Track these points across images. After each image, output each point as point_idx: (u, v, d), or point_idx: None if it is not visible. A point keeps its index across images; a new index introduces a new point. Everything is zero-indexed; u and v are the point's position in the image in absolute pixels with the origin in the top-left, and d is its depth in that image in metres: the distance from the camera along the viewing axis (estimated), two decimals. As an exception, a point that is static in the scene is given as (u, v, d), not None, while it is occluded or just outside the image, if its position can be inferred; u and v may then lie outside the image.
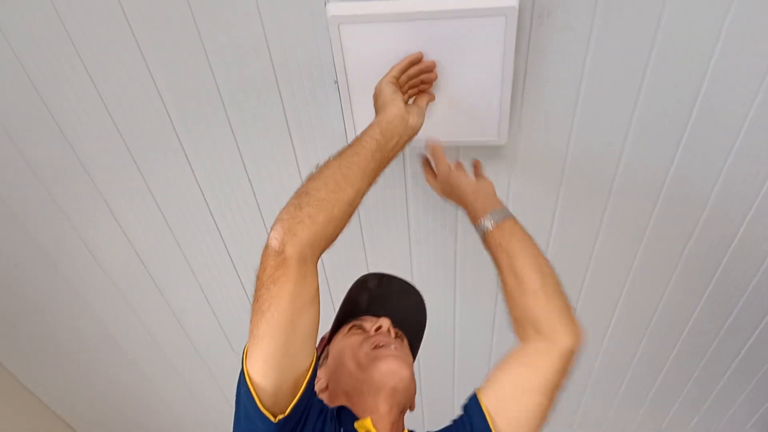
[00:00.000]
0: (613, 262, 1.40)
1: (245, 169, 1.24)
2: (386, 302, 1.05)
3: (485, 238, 0.97)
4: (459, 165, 1.09)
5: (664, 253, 1.37)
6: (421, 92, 0.99)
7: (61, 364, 1.92)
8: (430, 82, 0.99)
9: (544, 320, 0.86)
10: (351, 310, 1.04)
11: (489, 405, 0.83)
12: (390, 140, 0.86)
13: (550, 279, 0.89)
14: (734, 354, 1.71)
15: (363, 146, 0.83)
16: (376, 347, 0.92)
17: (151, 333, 1.75)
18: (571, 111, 1.08)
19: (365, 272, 1.46)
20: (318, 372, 0.95)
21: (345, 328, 1.00)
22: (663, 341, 1.67)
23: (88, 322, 1.71)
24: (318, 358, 1.00)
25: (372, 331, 0.96)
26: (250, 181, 1.27)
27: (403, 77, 0.94)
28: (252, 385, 0.73)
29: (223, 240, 1.42)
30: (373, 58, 0.97)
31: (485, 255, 1.39)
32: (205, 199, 1.32)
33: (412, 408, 0.95)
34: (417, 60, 0.94)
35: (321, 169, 0.79)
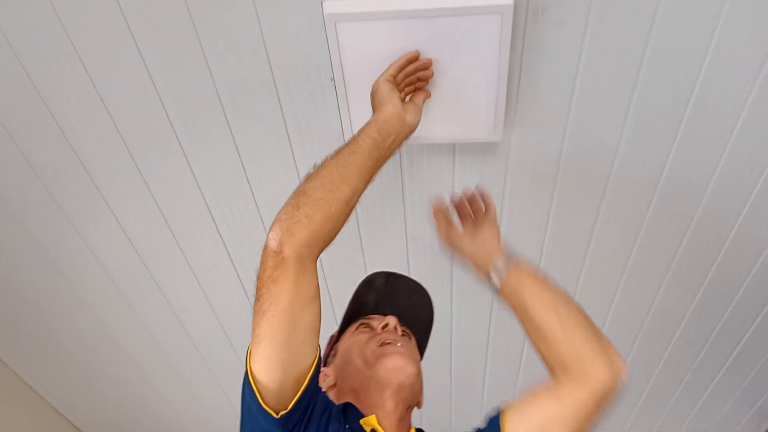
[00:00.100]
0: (608, 259, 1.41)
1: (244, 168, 1.25)
2: (394, 301, 1.05)
3: (497, 294, 0.94)
4: (457, 224, 1.05)
5: (659, 250, 1.38)
6: (417, 90, 1.00)
7: (61, 362, 1.92)
8: (426, 80, 0.99)
9: (570, 362, 0.81)
10: (359, 309, 1.04)
11: (510, 430, 0.80)
12: (387, 138, 0.86)
13: (569, 318, 0.84)
14: (728, 353, 1.72)
15: (360, 145, 0.83)
16: (383, 344, 0.92)
17: (151, 332, 1.76)
18: (565, 108, 1.08)
19: (362, 269, 1.48)
20: (326, 370, 0.97)
21: (353, 327, 1.01)
22: (657, 340, 1.68)
23: (88, 321, 1.71)
24: (326, 357, 1.01)
25: (379, 329, 0.96)
26: (248, 180, 1.28)
27: (400, 75, 0.95)
28: (255, 383, 0.74)
29: (222, 239, 1.43)
30: (369, 55, 0.98)
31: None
32: (204, 199, 1.33)
33: (419, 405, 0.96)
34: (414, 58, 0.95)
35: (318, 169, 0.80)
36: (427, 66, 0.97)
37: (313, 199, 0.76)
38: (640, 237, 1.34)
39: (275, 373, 0.73)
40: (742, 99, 1.05)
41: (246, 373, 0.76)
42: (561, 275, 1.46)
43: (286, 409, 0.74)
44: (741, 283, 1.46)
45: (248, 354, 0.76)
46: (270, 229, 0.75)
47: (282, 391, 0.74)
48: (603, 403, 0.79)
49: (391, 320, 0.98)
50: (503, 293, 0.91)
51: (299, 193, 0.77)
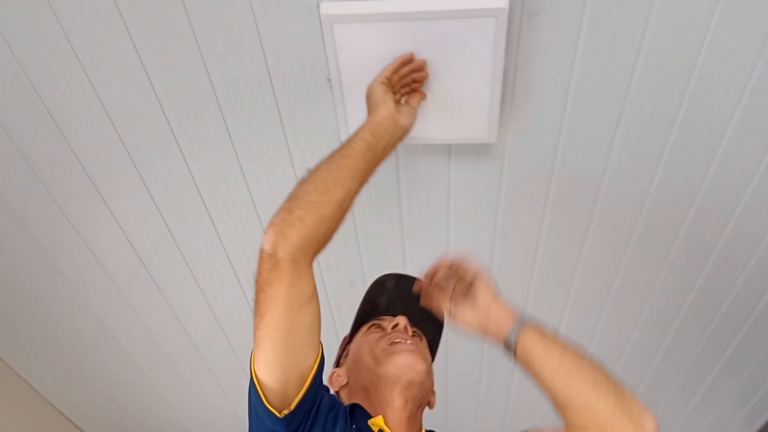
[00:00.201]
0: (602, 259, 1.42)
1: (241, 167, 1.26)
2: (405, 303, 1.04)
3: (513, 360, 0.89)
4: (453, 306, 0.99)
5: (653, 251, 1.39)
6: (413, 91, 1.01)
7: (61, 361, 1.92)
8: (421, 81, 1.00)
9: (593, 426, 0.76)
10: (370, 311, 1.05)
11: None
12: (380, 140, 0.88)
13: (584, 382, 0.78)
14: (721, 352, 1.73)
15: (353, 148, 0.85)
16: (393, 343, 0.92)
17: (150, 331, 1.76)
18: (560, 110, 1.09)
19: (359, 269, 1.49)
20: (339, 370, 0.98)
21: (364, 328, 1.01)
22: (651, 339, 1.69)
23: (88, 321, 1.72)
24: (339, 358, 1.02)
25: (389, 329, 0.97)
26: (245, 179, 1.28)
27: (395, 77, 0.96)
28: (259, 384, 0.76)
29: (220, 239, 1.44)
30: (366, 57, 0.98)
31: (477, 248, 1.42)
32: (202, 198, 1.33)
33: (430, 405, 0.96)
34: (408, 60, 0.96)
35: (311, 173, 0.82)
36: (421, 67, 0.98)
37: (305, 202, 0.78)
38: (634, 237, 1.35)
39: (277, 374, 0.75)
40: (734, 102, 1.06)
41: (250, 375, 0.78)
42: (556, 272, 1.48)
43: (290, 408, 0.75)
44: (733, 283, 1.47)
45: (252, 356, 0.78)
46: (264, 232, 0.76)
47: (285, 391, 0.76)
48: None
49: (401, 320, 0.98)
50: (518, 360, 0.86)
51: (292, 197, 0.79)
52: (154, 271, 1.54)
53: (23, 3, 1.00)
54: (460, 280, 0.96)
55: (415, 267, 1.46)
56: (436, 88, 1.02)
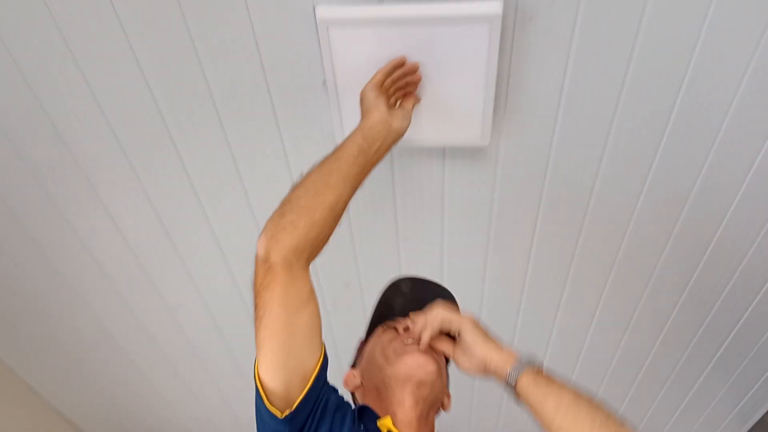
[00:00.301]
0: (594, 260, 1.43)
1: (237, 167, 1.27)
2: (421, 306, 1.02)
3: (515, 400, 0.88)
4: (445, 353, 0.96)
5: (645, 250, 1.40)
6: (407, 94, 1.02)
7: (60, 361, 1.93)
8: (415, 84, 1.01)
9: None
10: (386, 313, 1.05)
11: None
12: (373, 144, 0.89)
13: (581, 426, 0.76)
14: (713, 352, 1.74)
15: (345, 152, 0.86)
16: (405, 344, 0.93)
17: (149, 331, 1.77)
18: (553, 113, 1.10)
19: (354, 271, 1.49)
20: (354, 371, 0.99)
21: (379, 330, 1.02)
22: (643, 338, 1.70)
23: (87, 320, 1.72)
24: (355, 360, 1.03)
25: (402, 330, 0.97)
26: (242, 180, 1.29)
27: (388, 81, 0.96)
28: (262, 387, 0.77)
29: (217, 239, 1.44)
30: (361, 60, 0.99)
31: (471, 250, 1.42)
32: (198, 199, 1.34)
33: (444, 407, 0.96)
34: (400, 64, 0.97)
35: (303, 178, 0.83)
36: (414, 71, 0.99)
37: (297, 206, 0.79)
38: (627, 237, 1.36)
39: (279, 377, 0.76)
40: (725, 108, 1.07)
41: (254, 378, 0.79)
42: (549, 273, 1.49)
43: (291, 408, 0.76)
44: (725, 284, 1.48)
45: (256, 360, 0.79)
46: (258, 238, 0.77)
47: (288, 393, 0.76)
48: None
49: (414, 320, 0.97)
50: (520, 401, 0.84)
51: (284, 202, 0.81)
52: (151, 271, 1.55)
53: (20, 4, 1.00)
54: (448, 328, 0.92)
55: (410, 268, 1.48)
56: (430, 91, 1.03)
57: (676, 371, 1.84)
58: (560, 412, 0.77)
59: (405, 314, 1.03)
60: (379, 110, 0.92)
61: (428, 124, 1.08)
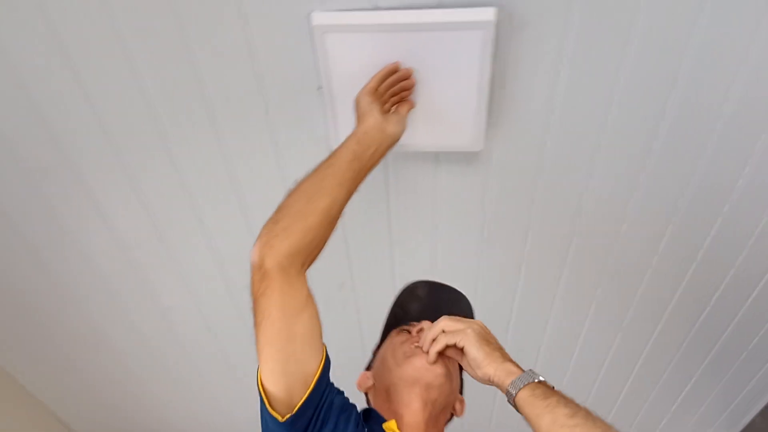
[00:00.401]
0: (586, 264, 1.44)
1: (231, 172, 1.27)
2: (438, 311, 1.00)
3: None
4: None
5: (637, 253, 1.41)
6: (402, 100, 1.02)
7: (53, 360, 1.92)
8: (409, 89, 1.01)
9: None
10: (401, 316, 1.06)
11: None
12: (367, 149, 0.90)
13: None
14: (704, 355, 1.75)
15: (338, 158, 0.87)
16: (416, 346, 0.92)
17: (141, 332, 1.77)
18: (545, 119, 1.11)
19: (348, 271, 1.50)
20: (367, 373, 1.00)
21: (393, 332, 1.02)
22: (636, 340, 1.71)
23: (79, 320, 1.72)
24: (370, 362, 1.03)
25: (414, 333, 0.97)
26: (235, 184, 1.29)
27: (382, 87, 0.97)
28: (264, 392, 0.77)
29: (210, 243, 1.45)
30: (356, 66, 1.00)
31: (464, 253, 1.43)
32: (191, 202, 1.34)
33: (455, 412, 0.96)
34: (394, 69, 0.97)
35: (297, 185, 0.84)
36: (407, 76, 0.99)
37: (291, 212, 0.80)
38: (618, 241, 1.37)
39: (280, 381, 0.77)
40: (716, 115, 1.08)
41: (257, 383, 0.79)
42: (541, 280, 1.50)
43: (292, 412, 0.76)
44: (717, 286, 1.49)
45: (258, 365, 0.79)
46: (253, 245, 0.78)
47: (290, 397, 0.77)
48: None
49: (427, 324, 0.97)
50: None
51: (278, 209, 0.82)
52: (144, 272, 1.55)
53: (13, 3, 1.00)
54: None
55: (403, 270, 1.49)
56: (424, 97, 1.04)
57: (668, 373, 1.85)
58: (555, 428, 0.74)
59: (420, 318, 1.02)
60: (373, 116, 0.92)
61: (422, 129, 1.09)
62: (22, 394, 2.06)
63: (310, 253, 0.82)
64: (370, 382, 0.98)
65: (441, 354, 0.88)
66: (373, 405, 0.96)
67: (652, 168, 1.19)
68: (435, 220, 1.35)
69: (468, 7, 0.93)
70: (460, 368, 0.97)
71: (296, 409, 0.76)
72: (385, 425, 0.85)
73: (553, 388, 0.79)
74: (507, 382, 0.79)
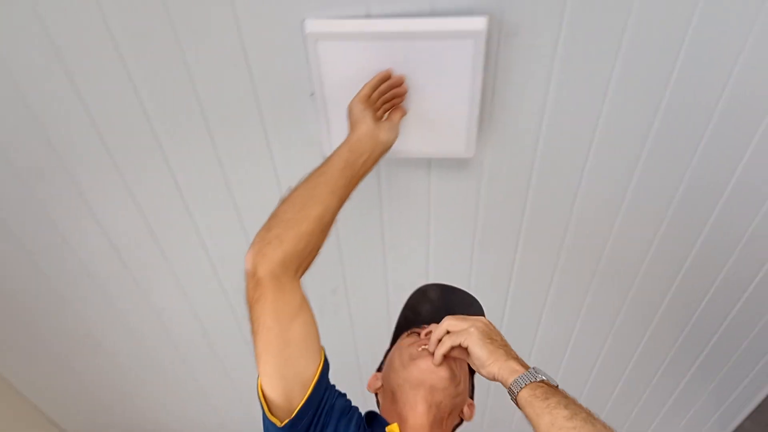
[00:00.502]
0: (577, 268, 1.45)
1: (225, 176, 1.27)
2: (449, 313, 0.97)
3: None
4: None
5: (628, 258, 1.42)
6: (395, 107, 1.03)
7: (45, 361, 1.92)
8: (401, 96, 1.02)
9: None
10: (412, 319, 1.06)
11: None
12: (360, 157, 0.90)
13: None
14: (695, 357, 1.77)
15: (330, 165, 0.88)
16: (423, 349, 0.92)
17: (133, 334, 1.77)
18: (536, 126, 1.12)
19: (341, 276, 1.51)
20: (378, 374, 1.00)
21: (404, 335, 1.02)
22: (626, 342, 1.72)
23: (71, 321, 1.72)
24: (381, 364, 1.04)
25: (423, 335, 0.97)
26: (229, 188, 1.30)
27: (375, 94, 0.98)
28: (263, 397, 0.78)
29: (204, 247, 1.45)
30: (348, 73, 1.00)
31: (456, 258, 1.44)
32: (186, 206, 1.35)
33: (464, 417, 0.95)
34: (386, 77, 0.98)
35: (289, 193, 0.85)
36: (400, 83, 1.00)
37: (283, 220, 0.81)
38: (609, 246, 1.38)
39: (278, 387, 0.77)
40: (706, 121, 1.09)
41: (257, 390, 0.80)
42: (532, 284, 1.51)
43: (290, 416, 0.77)
44: (707, 290, 1.50)
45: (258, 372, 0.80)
46: (246, 253, 0.79)
47: (289, 401, 0.78)
48: None
49: (434, 327, 0.96)
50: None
51: (271, 217, 0.82)
52: (138, 275, 1.55)
53: (7, 8, 1.00)
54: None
55: (396, 275, 1.50)
56: (417, 104, 1.05)
57: (658, 377, 1.86)
58: (553, 430, 0.73)
59: (432, 321, 1.00)
60: (366, 123, 0.93)
61: (414, 136, 1.10)
62: (14, 396, 2.05)
63: (304, 260, 0.83)
64: (378, 384, 0.98)
65: (447, 356, 0.87)
66: (381, 406, 0.96)
67: (643, 174, 1.20)
68: (427, 226, 1.35)
69: (459, 16, 0.94)
70: (472, 372, 0.98)
71: (295, 413, 0.77)
72: (388, 429, 0.85)
73: (557, 387, 0.78)
74: (510, 380, 0.79)
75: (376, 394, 1.00)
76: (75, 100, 1.13)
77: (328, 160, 0.89)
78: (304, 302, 0.82)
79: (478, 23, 0.94)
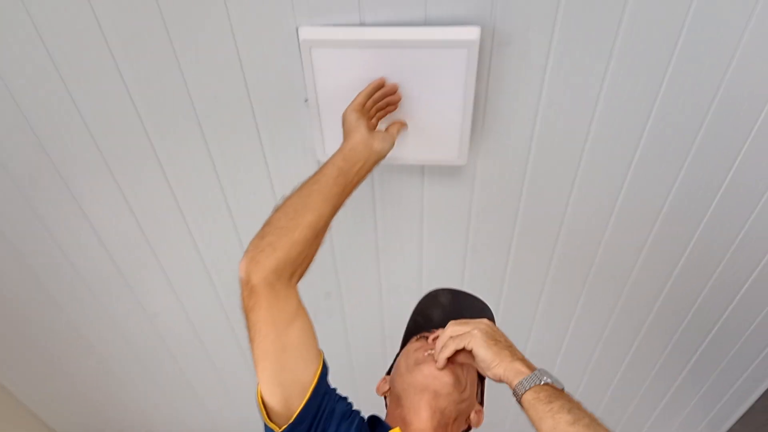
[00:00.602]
0: (569, 274, 1.46)
1: (219, 182, 1.28)
2: (460, 319, 0.96)
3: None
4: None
5: (619, 263, 1.43)
6: (395, 120, 1.04)
7: (37, 364, 1.91)
8: (395, 104, 1.03)
9: None
10: (422, 323, 1.05)
11: None
12: (353, 165, 0.91)
13: None
14: (685, 361, 1.78)
15: (324, 174, 0.88)
16: (429, 353, 0.91)
17: (125, 336, 1.76)
18: (528, 134, 1.13)
19: (335, 280, 1.51)
20: (387, 377, 1.00)
21: (413, 339, 1.02)
22: (617, 348, 1.73)
23: (64, 325, 1.71)
24: (390, 368, 1.03)
25: (430, 340, 0.96)
26: (224, 193, 1.30)
27: (369, 102, 0.98)
28: (263, 404, 0.79)
29: (198, 251, 1.45)
30: (343, 80, 1.01)
31: (449, 263, 1.45)
32: (180, 210, 1.35)
33: (471, 423, 0.94)
34: (380, 85, 0.99)
35: (283, 201, 0.85)
36: (394, 90, 1.01)
37: (276, 227, 0.82)
38: (600, 251, 1.39)
39: (276, 393, 0.78)
40: (696, 127, 1.10)
41: (256, 396, 0.81)
42: (524, 290, 1.52)
43: (288, 422, 0.77)
44: (698, 293, 1.51)
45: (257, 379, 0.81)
46: (240, 261, 0.79)
47: (288, 407, 0.78)
48: None
49: (441, 332, 0.95)
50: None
51: (265, 225, 0.83)
52: (131, 279, 1.55)
53: (3, 17, 1.00)
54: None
55: (389, 280, 1.50)
56: (410, 112, 1.06)
57: (649, 381, 1.87)
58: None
59: (442, 326, 0.97)
60: (360, 132, 0.94)
61: (408, 143, 1.10)
62: (7, 399, 2.04)
63: (298, 267, 0.83)
64: (386, 387, 0.98)
65: (452, 361, 0.86)
66: (388, 409, 0.96)
67: (634, 180, 1.21)
68: (420, 232, 1.36)
69: (453, 26, 0.95)
70: (482, 378, 0.97)
71: (293, 418, 0.77)
72: None
73: (563, 390, 0.77)
74: (514, 382, 0.77)
75: (385, 398, 1.00)
76: (69, 105, 1.14)
77: (321, 169, 0.89)
78: (300, 308, 0.83)
79: (472, 33, 0.95)
